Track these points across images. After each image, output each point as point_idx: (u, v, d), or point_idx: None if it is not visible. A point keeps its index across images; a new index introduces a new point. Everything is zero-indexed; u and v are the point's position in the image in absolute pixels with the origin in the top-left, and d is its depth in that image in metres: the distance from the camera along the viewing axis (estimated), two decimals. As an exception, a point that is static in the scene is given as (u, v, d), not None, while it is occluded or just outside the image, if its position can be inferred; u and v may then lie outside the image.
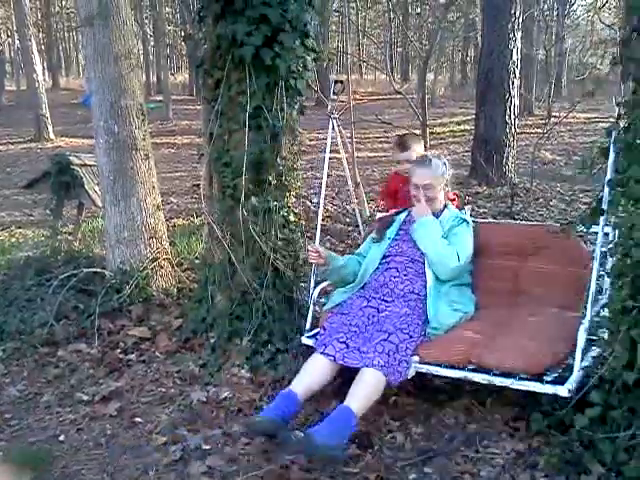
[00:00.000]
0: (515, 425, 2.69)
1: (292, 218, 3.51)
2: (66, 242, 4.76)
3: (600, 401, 2.36)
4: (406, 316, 2.85)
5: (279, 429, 2.52)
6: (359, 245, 3.44)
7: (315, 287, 3.26)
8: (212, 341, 3.36)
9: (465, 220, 3.18)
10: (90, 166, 4.64)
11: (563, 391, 2.47)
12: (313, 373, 2.73)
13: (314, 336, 3.04)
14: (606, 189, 2.53)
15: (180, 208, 7.32)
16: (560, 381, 2.53)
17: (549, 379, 2.55)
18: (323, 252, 3.20)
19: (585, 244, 3.39)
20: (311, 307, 3.21)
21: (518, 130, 8.43)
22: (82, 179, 4.56)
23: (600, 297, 2.86)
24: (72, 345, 3.52)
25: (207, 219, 3.48)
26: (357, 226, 6.31)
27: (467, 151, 11.08)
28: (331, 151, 3.50)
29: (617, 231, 2.56)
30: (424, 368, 2.76)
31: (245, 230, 3.30)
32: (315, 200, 7.31)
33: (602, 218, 2.58)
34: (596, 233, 2.68)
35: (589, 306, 2.57)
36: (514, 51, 7.61)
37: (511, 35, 7.55)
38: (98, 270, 3.95)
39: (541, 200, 7.15)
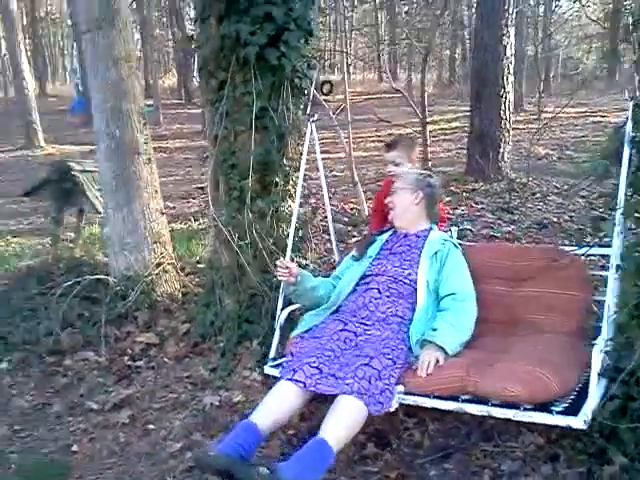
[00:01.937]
0: (533, 419, 2.68)
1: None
2: (66, 250, 4.72)
3: (620, 394, 2.34)
4: (389, 340, 2.53)
5: (235, 466, 2.09)
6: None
7: (283, 309, 2.92)
8: (221, 345, 3.33)
9: (453, 244, 2.92)
10: (90, 172, 4.60)
11: (578, 423, 2.18)
12: (280, 402, 2.35)
13: (280, 365, 2.66)
14: (621, 190, 2.39)
15: (177, 212, 7.28)
16: (571, 411, 2.25)
17: (559, 409, 2.27)
18: (293, 269, 2.82)
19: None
20: (277, 332, 2.87)
21: (511, 126, 8.41)
22: (83, 185, 4.51)
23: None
24: (79, 354, 3.49)
25: (214, 222, 3.45)
26: (355, 225, 6.34)
27: (460, 148, 11.10)
28: (311, 152, 3.27)
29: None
30: (410, 399, 2.44)
31: (253, 232, 3.27)
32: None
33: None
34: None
35: (605, 323, 2.34)
36: (508, 47, 7.60)
37: (505, 31, 7.55)
38: (102, 277, 3.90)
39: (538, 195, 7.14)
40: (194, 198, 8.11)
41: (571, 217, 6.08)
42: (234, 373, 3.15)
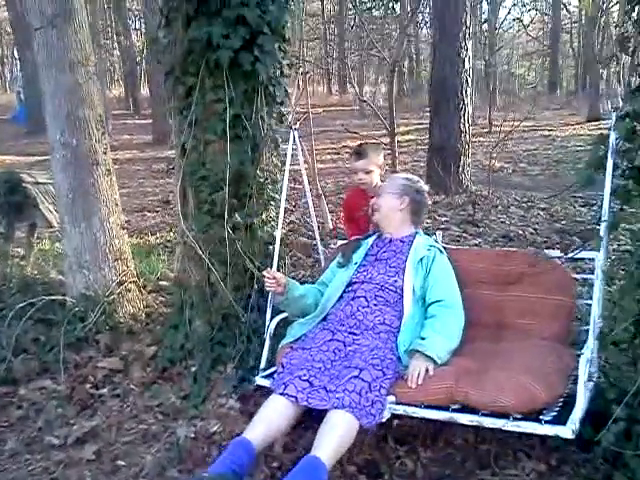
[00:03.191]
0: (529, 442, 2.56)
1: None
2: (17, 268, 4.38)
3: (624, 416, 2.25)
4: (378, 350, 2.51)
5: None
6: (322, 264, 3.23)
7: (272, 319, 2.92)
8: (193, 370, 3.11)
9: (439, 249, 2.89)
10: (43, 184, 4.29)
11: (566, 432, 2.18)
12: (272, 417, 2.33)
13: (271, 376, 2.69)
14: (606, 200, 2.40)
15: (132, 226, 6.95)
16: (559, 421, 2.24)
17: (547, 419, 2.26)
18: (281, 278, 2.82)
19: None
20: (267, 342, 2.85)
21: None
22: (36, 199, 4.20)
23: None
24: (35, 382, 3.18)
25: (183, 238, 3.22)
26: (322, 239, 6.17)
27: (416, 161, 11.13)
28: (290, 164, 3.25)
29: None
30: (400, 409, 2.42)
31: (227, 248, 3.07)
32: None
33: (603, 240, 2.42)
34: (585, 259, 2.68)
35: (591, 333, 2.35)
36: (466, 60, 7.65)
37: (462, 44, 7.59)
38: (58, 297, 3.61)
39: (500, 207, 7.18)
40: (149, 211, 7.80)
41: (535, 230, 6.10)
42: (208, 400, 2.93)
